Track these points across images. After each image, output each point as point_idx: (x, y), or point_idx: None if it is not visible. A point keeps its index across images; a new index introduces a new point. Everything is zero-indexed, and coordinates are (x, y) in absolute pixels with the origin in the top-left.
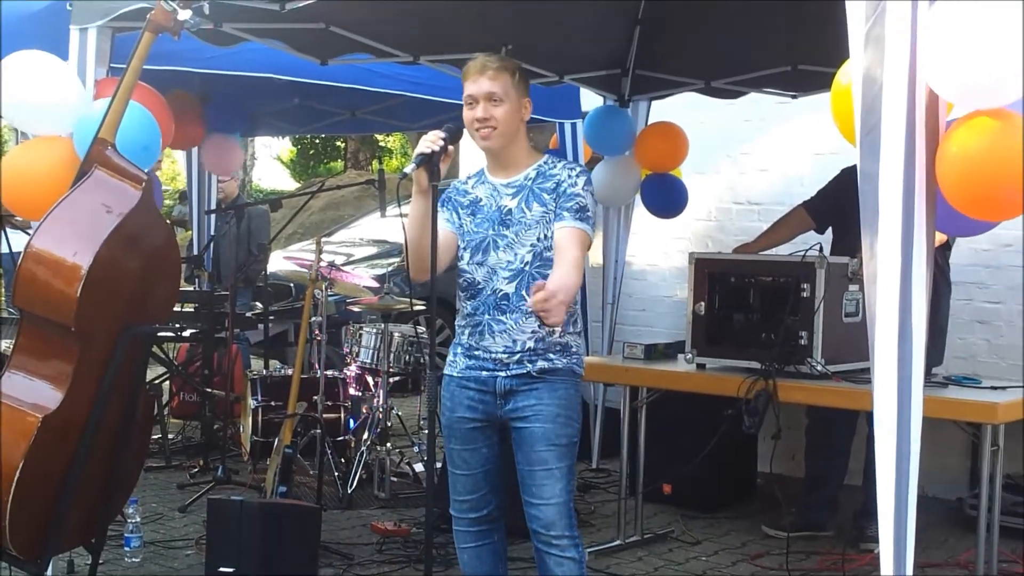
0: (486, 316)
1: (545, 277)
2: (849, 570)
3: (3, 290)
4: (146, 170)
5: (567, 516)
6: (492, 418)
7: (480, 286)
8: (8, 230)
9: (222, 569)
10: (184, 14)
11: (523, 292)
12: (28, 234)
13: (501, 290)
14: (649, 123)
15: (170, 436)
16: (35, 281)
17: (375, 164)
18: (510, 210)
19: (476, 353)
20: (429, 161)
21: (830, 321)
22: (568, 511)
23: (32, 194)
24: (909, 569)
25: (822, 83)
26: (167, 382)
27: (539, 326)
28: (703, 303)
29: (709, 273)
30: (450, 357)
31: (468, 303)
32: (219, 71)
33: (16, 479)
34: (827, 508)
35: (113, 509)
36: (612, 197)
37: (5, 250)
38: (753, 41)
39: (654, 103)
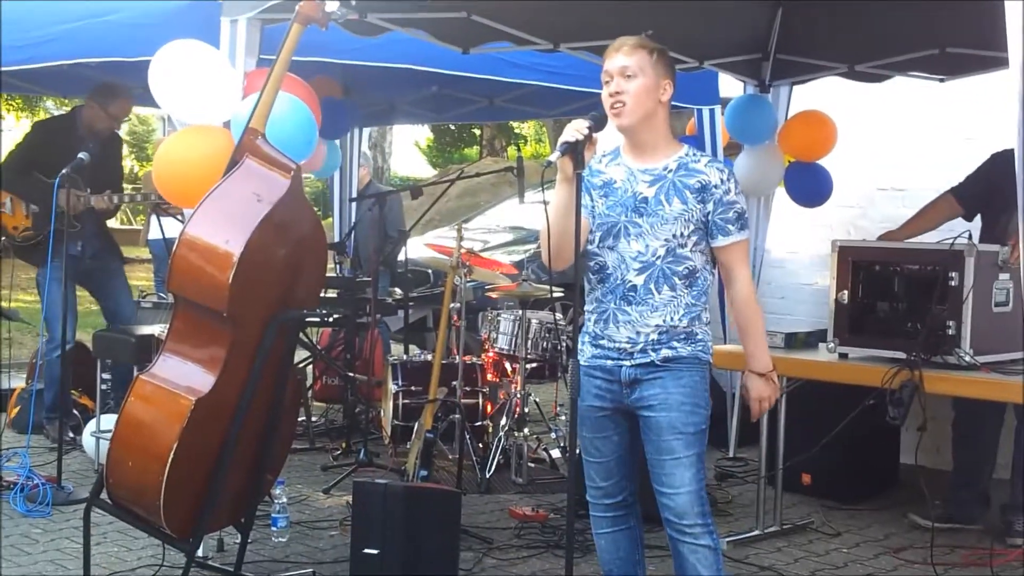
0: (612, 305)
1: (676, 273)
2: (997, 565)
3: (155, 275)
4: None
5: (699, 504)
6: (620, 406)
7: (609, 272)
8: (161, 217)
9: (367, 551)
10: (331, 5)
11: (651, 286)
12: (179, 220)
13: (630, 281)
14: (791, 108)
15: (313, 419)
16: (189, 267)
17: (512, 151)
18: (646, 199)
19: (601, 342)
20: (574, 149)
21: (979, 311)
22: (700, 499)
23: (187, 183)
24: None
25: (972, 66)
26: (310, 366)
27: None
28: (846, 291)
29: (853, 261)
30: (579, 345)
31: (597, 288)
32: (360, 62)
33: (170, 460)
34: (975, 501)
35: (261, 490)
36: (756, 187)
37: (158, 235)
38: (899, 23)
39: (795, 88)
